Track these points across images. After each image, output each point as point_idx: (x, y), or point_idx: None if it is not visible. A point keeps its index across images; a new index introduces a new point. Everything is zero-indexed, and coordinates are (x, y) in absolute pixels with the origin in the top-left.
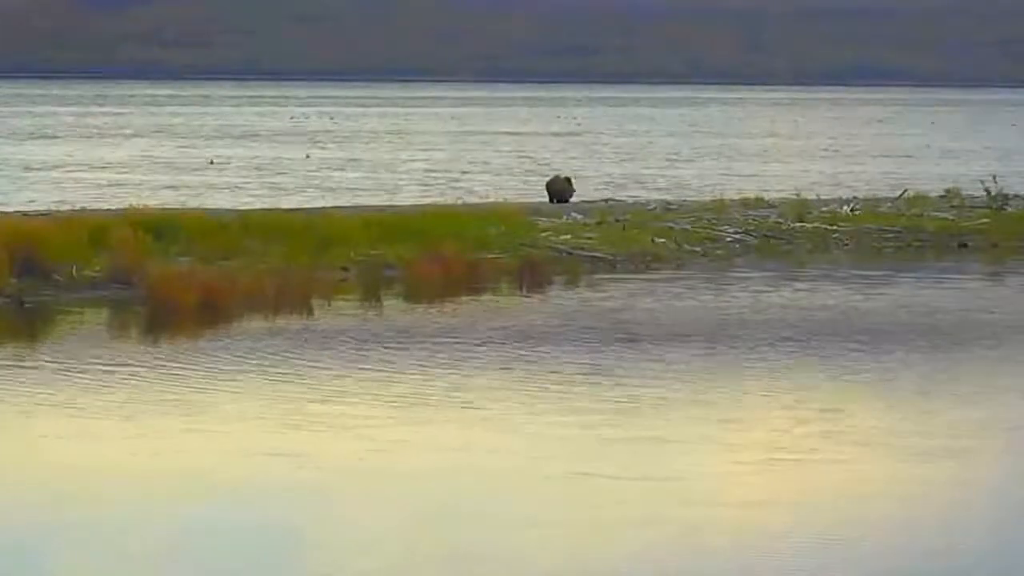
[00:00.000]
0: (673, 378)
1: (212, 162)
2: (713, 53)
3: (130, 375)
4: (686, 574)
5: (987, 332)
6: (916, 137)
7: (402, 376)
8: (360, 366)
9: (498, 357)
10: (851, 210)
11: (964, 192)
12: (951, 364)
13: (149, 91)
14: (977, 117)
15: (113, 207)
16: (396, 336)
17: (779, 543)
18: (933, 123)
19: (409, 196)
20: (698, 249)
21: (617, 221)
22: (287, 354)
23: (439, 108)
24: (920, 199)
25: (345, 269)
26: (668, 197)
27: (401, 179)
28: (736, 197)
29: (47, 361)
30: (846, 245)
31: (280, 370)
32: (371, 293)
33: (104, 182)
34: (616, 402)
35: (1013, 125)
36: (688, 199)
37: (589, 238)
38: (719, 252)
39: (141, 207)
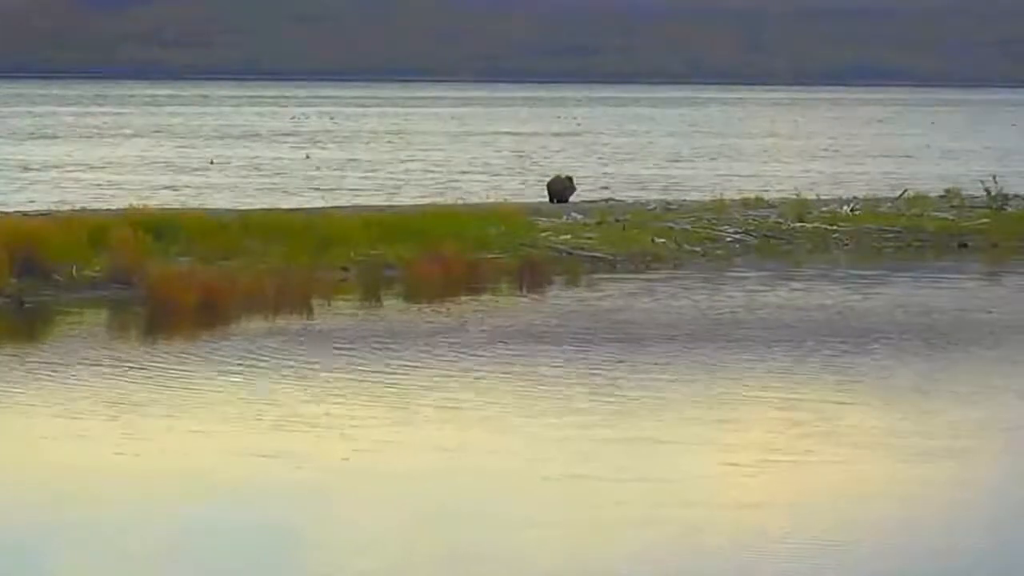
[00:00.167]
0: (670, 378)
1: (213, 162)
2: (713, 53)
3: (129, 375)
4: (684, 574)
5: (985, 332)
6: (916, 137)
7: (400, 376)
8: (358, 366)
9: (496, 357)
10: (851, 210)
11: (964, 192)
12: (949, 364)
13: (149, 91)
14: (977, 117)
15: (113, 207)
16: (395, 336)
17: (776, 544)
18: (933, 123)
19: (409, 196)
20: (698, 249)
21: (617, 221)
22: (287, 354)
23: (439, 108)
24: (920, 199)
25: (345, 269)
26: (668, 197)
27: (401, 179)
28: (736, 197)
29: (46, 361)
30: (846, 245)
31: (279, 370)
32: (371, 293)
33: (104, 182)
34: (613, 403)
35: (1013, 125)
36: (688, 199)
37: (589, 238)
38: (719, 252)
39: (141, 207)
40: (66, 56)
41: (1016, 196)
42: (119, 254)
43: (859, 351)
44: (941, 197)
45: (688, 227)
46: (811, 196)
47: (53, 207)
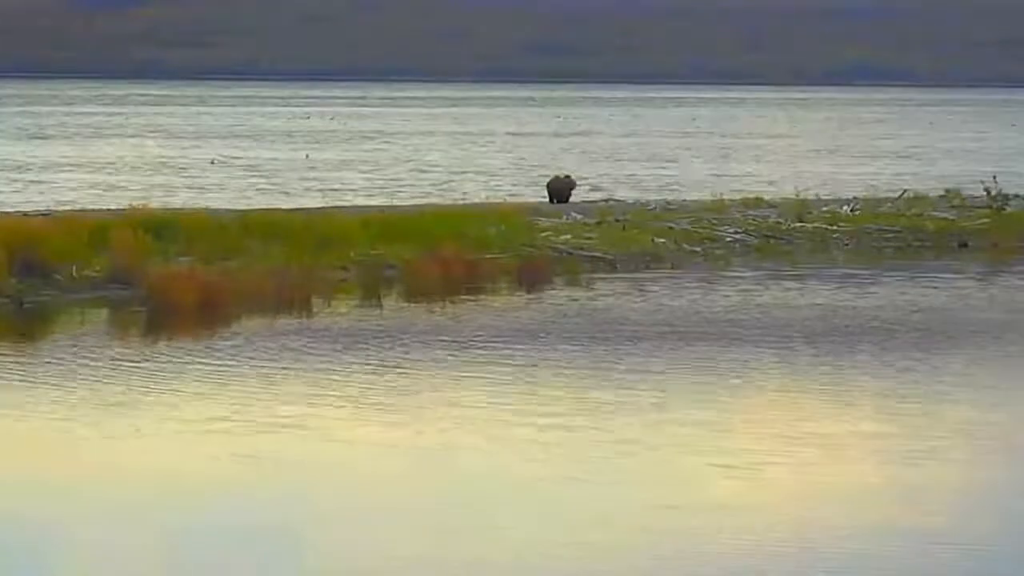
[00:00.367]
0: (663, 378)
1: (214, 162)
2: (713, 53)
3: (129, 375)
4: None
5: (975, 331)
6: (915, 137)
7: (399, 376)
8: (358, 366)
9: (493, 357)
10: (851, 210)
11: (964, 192)
12: (935, 363)
13: (149, 91)
14: (977, 117)
15: (113, 207)
16: (394, 336)
17: (762, 545)
18: (932, 123)
19: (409, 196)
20: (698, 249)
21: (617, 221)
22: (286, 354)
23: (439, 108)
24: (920, 199)
25: (345, 269)
26: (668, 197)
27: (401, 179)
28: (736, 197)
29: (45, 361)
30: (846, 245)
31: (279, 371)
32: (371, 293)
33: (103, 182)
34: (609, 403)
35: (1013, 125)
36: (688, 199)
37: (589, 238)
38: (719, 252)
39: (141, 207)
40: (66, 56)
41: (1016, 196)
42: (119, 254)
43: (847, 351)
44: (941, 197)
45: (688, 227)
46: (811, 196)
47: (53, 207)
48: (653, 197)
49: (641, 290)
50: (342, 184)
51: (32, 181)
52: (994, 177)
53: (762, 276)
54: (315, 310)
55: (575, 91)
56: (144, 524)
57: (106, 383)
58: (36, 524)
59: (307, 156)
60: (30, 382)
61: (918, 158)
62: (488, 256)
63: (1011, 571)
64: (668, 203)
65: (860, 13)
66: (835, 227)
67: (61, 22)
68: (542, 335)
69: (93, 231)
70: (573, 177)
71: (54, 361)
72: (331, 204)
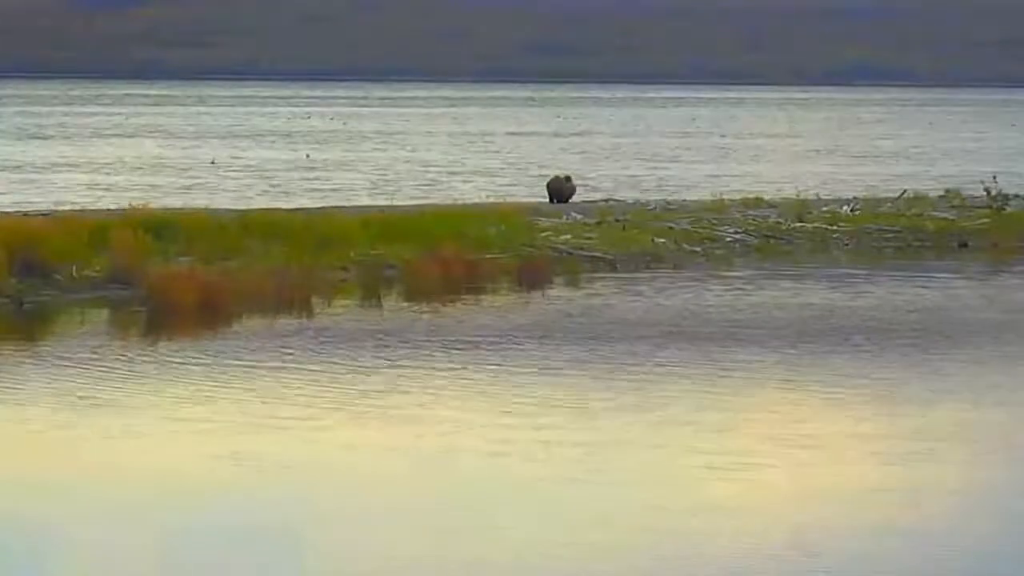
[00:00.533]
0: (661, 380)
1: (214, 162)
2: (713, 53)
3: (127, 376)
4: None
5: (968, 331)
6: (915, 137)
7: (397, 377)
8: (357, 366)
9: (491, 357)
10: (851, 210)
11: (964, 192)
12: (926, 364)
13: (149, 91)
14: (977, 117)
15: (113, 207)
16: (395, 336)
17: (746, 547)
18: (931, 123)
19: (409, 196)
20: (698, 249)
21: (617, 221)
22: (286, 354)
23: (439, 108)
24: (920, 199)
25: (345, 269)
26: (668, 197)
27: (400, 179)
28: (736, 197)
29: (44, 361)
30: (846, 245)
31: (279, 371)
32: (371, 293)
33: (103, 182)
34: (603, 403)
35: (1013, 125)
36: (688, 199)
37: (589, 238)
38: (719, 252)
39: (141, 207)
40: (66, 56)
41: (1016, 196)
42: (119, 254)
43: (846, 351)
44: (941, 197)
45: (688, 227)
46: (811, 196)
47: (53, 207)
48: (653, 197)
49: (641, 290)
50: (342, 184)
51: (32, 181)
52: (994, 177)
53: (762, 276)
54: (315, 310)
55: (575, 91)
56: (143, 524)
57: (106, 383)
58: (35, 524)
59: (307, 156)
60: (30, 382)
61: (918, 158)
62: (488, 256)
63: (1011, 571)
64: (668, 203)
65: (860, 13)
66: (835, 227)
67: (61, 22)
68: (542, 335)
69: (93, 231)
70: (573, 179)
71: (54, 361)
72: (331, 204)
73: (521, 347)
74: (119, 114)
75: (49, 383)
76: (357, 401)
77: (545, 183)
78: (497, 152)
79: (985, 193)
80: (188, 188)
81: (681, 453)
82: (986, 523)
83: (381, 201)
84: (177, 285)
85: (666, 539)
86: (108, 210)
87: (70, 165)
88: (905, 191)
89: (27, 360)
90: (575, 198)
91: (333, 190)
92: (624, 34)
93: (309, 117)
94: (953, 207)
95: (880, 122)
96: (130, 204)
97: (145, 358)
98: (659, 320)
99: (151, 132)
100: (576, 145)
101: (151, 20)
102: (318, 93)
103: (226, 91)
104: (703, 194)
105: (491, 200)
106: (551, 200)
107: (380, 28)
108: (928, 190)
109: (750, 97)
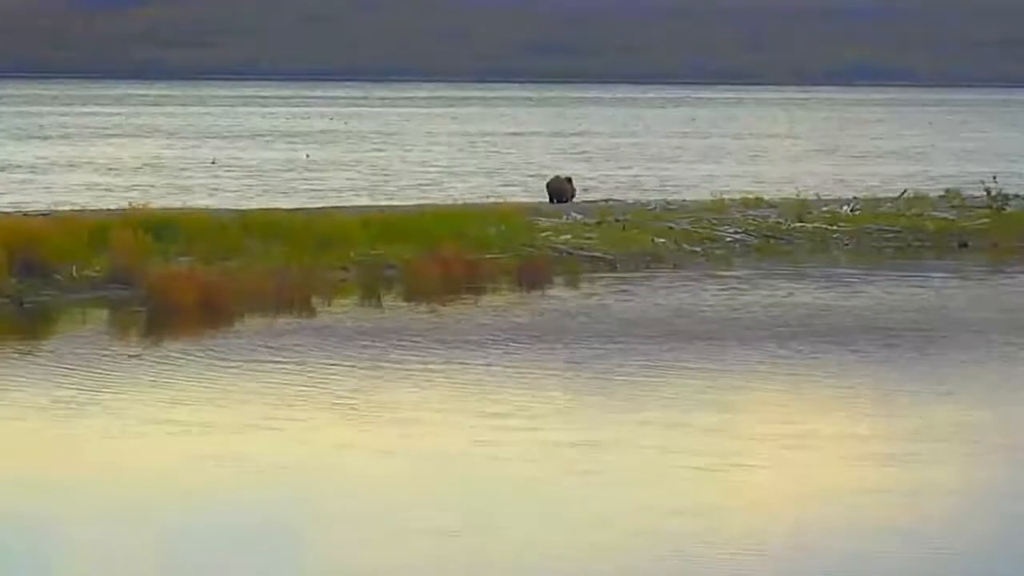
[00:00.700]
0: (661, 379)
1: (215, 162)
2: (713, 53)
3: (127, 375)
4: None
5: (961, 331)
6: (915, 137)
7: (397, 376)
8: (356, 367)
9: (489, 357)
10: (851, 210)
11: (964, 192)
12: (920, 365)
13: (149, 91)
14: (977, 117)
15: (113, 207)
16: (395, 336)
17: (734, 548)
18: (931, 123)
19: (409, 196)
20: (698, 249)
21: (617, 221)
22: (286, 355)
23: (439, 108)
24: (920, 199)
25: (345, 269)
26: (668, 197)
27: (400, 179)
28: (736, 197)
29: (44, 361)
30: (846, 245)
31: (278, 371)
32: (371, 293)
33: (103, 182)
34: (603, 403)
35: (1013, 125)
36: (688, 199)
37: (589, 238)
38: (719, 252)
39: (141, 207)
40: (66, 56)
41: (1016, 196)
42: (119, 254)
43: (846, 351)
44: (941, 197)
45: (688, 227)
46: (811, 196)
47: (53, 207)
48: (653, 197)
49: (641, 290)
50: (342, 184)
51: (32, 181)
52: (994, 177)
53: (762, 276)
54: (315, 310)
55: (575, 91)
56: (143, 524)
57: (106, 383)
58: (35, 524)
59: (307, 156)
60: (30, 382)
61: (918, 158)
62: (488, 256)
63: (1011, 571)
64: (668, 203)
65: (860, 13)
66: (835, 227)
67: (61, 22)
68: (542, 335)
69: (93, 231)
70: (573, 179)
71: (54, 361)
72: (331, 204)
73: (521, 347)
74: (119, 114)
75: (49, 383)
76: (357, 401)
77: (545, 183)
78: (497, 152)
79: (985, 193)
80: (188, 188)
81: (681, 453)
82: (985, 523)
83: (381, 201)
84: (177, 285)
85: (665, 539)
86: (108, 210)
87: (70, 165)
88: (905, 191)
89: (27, 360)
90: (575, 198)
91: (333, 190)
92: (624, 34)
93: (308, 117)
94: (953, 207)
95: (880, 122)
96: (130, 204)
97: (145, 358)
98: (660, 320)
99: (151, 132)
100: (576, 145)
101: (151, 20)
102: (318, 93)
103: (226, 91)
104: (703, 194)
105: (491, 200)
106: (551, 200)
107: (380, 28)
108: (928, 190)
109: (750, 97)
